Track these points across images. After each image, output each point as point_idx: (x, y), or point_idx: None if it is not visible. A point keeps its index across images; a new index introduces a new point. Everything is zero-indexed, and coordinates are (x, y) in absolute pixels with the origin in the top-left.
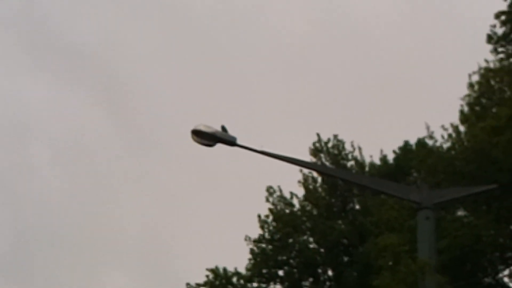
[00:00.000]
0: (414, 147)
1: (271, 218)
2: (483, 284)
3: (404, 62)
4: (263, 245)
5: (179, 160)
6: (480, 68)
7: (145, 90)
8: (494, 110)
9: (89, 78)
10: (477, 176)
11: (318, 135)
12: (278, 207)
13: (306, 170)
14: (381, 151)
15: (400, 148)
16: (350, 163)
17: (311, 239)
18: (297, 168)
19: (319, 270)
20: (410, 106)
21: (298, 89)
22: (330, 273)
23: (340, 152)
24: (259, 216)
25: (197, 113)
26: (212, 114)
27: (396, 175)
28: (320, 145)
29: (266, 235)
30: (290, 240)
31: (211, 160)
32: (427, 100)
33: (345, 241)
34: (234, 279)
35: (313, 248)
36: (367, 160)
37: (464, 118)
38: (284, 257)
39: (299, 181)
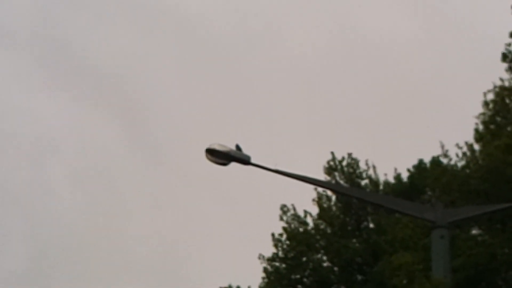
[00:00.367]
0: (428, 165)
1: (285, 236)
2: None
3: (419, 80)
4: (277, 264)
5: (195, 178)
6: (495, 87)
7: (161, 109)
8: (509, 128)
9: (106, 97)
10: (491, 195)
11: (332, 153)
12: (292, 226)
13: (320, 189)
14: (395, 169)
15: (414, 167)
16: (365, 182)
17: (325, 258)
18: (311, 186)
19: None
20: (425, 125)
21: (312, 108)
22: None
23: (354, 170)
24: (273, 234)
25: (212, 132)
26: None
27: (410, 193)
28: (335, 163)
29: (280, 253)
30: (304, 259)
31: (225, 178)
32: (442, 118)
33: (359, 259)
34: None
35: (327, 267)
36: (382, 178)
37: (479, 136)
38: (298, 276)
39: (313, 200)
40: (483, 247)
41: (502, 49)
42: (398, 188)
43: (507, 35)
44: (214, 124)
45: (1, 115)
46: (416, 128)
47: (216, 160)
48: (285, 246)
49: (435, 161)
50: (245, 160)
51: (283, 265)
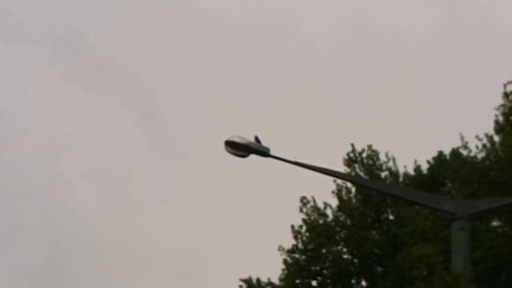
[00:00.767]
0: (448, 157)
1: (304, 228)
2: None
3: (439, 72)
4: (297, 256)
5: (213, 171)
6: None
7: (179, 102)
8: None
9: (123, 91)
10: (511, 186)
11: (352, 145)
12: (312, 218)
13: (340, 181)
14: (415, 161)
15: (434, 159)
16: (384, 174)
17: (344, 250)
18: (330, 178)
19: (353, 281)
20: (444, 116)
21: (332, 99)
22: (364, 283)
23: (374, 162)
24: (292, 226)
25: (231, 124)
26: (245, 125)
27: (430, 185)
28: (354, 155)
29: (300, 245)
30: (324, 251)
31: (244, 171)
32: (462, 110)
33: (379, 251)
34: None
35: (347, 259)
36: (401, 170)
37: (499, 128)
38: (318, 268)
39: (332, 192)
40: (504, 239)
41: None
42: (417, 180)
43: None
44: (232, 116)
45: (18, 109)
46: (435, 120)
47: (235, 152)
48: (304, 238)
49: (455, 153)
50: (264, 152)
51: (303, 257)
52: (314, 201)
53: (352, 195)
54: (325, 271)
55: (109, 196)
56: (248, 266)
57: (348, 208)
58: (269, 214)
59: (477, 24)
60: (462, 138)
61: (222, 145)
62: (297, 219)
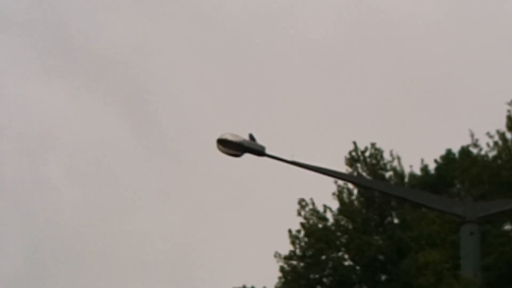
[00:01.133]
0: (457, 156)
1: (302, 233)
2: None
3: (447, 64)
4: (294, 262)
5: (205, 172)
6: None
7: (168, 97)
8: None
9: (110, 85)
10: None
11: (354, 143)
12: (311, 222)
13: (341, 182)
14: (422, 160)
15: (442, 157)
16: (389, 174)
17: (346, 256)
18: (331, 179)
19: None
20: (453, 112)
21: (332, 94)
22: None
23: (378, 162)
24: (290, 231)
25: (224, 121)
26: (239, 122)
27: (438, 186)
28: (357, 154)
29: (298, 251)
30: (323, 257)
31: (238, 171)
32: (472, 105)
33: (382, 257)
34: None
35: (348, 265)
36: (407, 170)
37: (511, 124)
38: (317, 275)
39: (333, 193)
40: None
41: None
42: (424, 181)
43: None
44: (226, 113)
45: None
46: (444, 116)
47: (229, 151)
48: (303, 244)
49: (465, 151)
50: (259, 151)
51: (301, 264)
52: (313, 203)
53: (354, 197)
54: (325, 279)
55: (95, 197)
56: (242, 273)
57: (350, 211)
58: (265, 218)
59: (488, 12)
60: (472, 135)
61: (215, 143)
62: (295, 223)
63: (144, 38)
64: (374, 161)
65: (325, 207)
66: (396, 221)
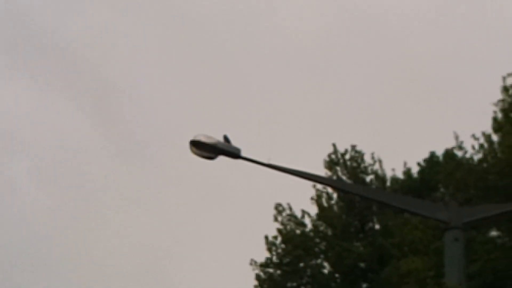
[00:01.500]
0: (441, 159)
1: (279, 239)
2: None
3: (430, 64)
4: (271, 270)
5: (177, 175)
6: None
7: (138, 95)
8: None
9: (75, 82)
10: None
11: (334, 145)
12: (288, 227)
13: (320, 186)
14: (405, 163)
15: (425, 161)
16: (370, 178)
17: (325, 263)
18: (309, 183)
19: None
20: (437, 113)
21: (311, 94)
22: None
23: (358, 165)
24: (266, 237)
25: (197, 122)
26: (213, 123)
27: (421, 190)
28: (336, 157)
29: (274, 258)
30: (302, 264)
31: (212, 174)
32: (456, 106)
33: (363, 265)
34: None
35: (328, 273)
36: (389, 174)
37: (497, 126)
38: (295, 284)
39: (311, 198)
40: (502, 251)
41: None
42: (407, 185)
43: None
44: (199, 113)
45: None
46: (427, 118)
47: (202, 154)
48: (280, 250)
49: (449, 154)
50: (234, 153)
51: (278, 272)
52: (291, 208)
53: (333, 201)
54: (303, 287)
55: (60, 199)
56: (216, 282)
57: (329, 216)
58: (240, 223)
59: (473, 11)
60: (456, 137)
61: (187, 145)
62: (272, 229)
63: (114, 36)
64: (354, 164)
65: (303, 212)
66: (377, 227)
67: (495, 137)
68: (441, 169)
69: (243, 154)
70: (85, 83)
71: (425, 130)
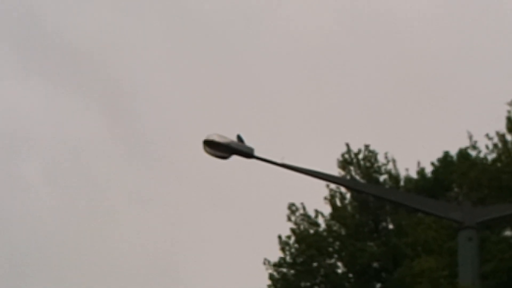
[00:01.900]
0: (455, 158)
1: (293, 239)
2: None
3: (445, 64)
4: (284, 270)
5: (189, 174)
6: None
7: (150, 95)
8: None
9: (86, 82)
10: None
11: (347, 145)
12: (301, 227)
13: (333, 185)
14: (418, 163)
15: (439, 160)
16: (383, 177)
17: (338, 263)
18: (323, 183)
19: None
20: (451, 113)
21: (324, 94)
22: None
23: (372, 164)
24: (279, 237)
25: (209, 121)
26: (226, 122)
27: (434, 190)
28: (350, 156)
29: (288, 258)
30: (315, 264)
31: (225, 174)
32: (470, 105)
33: (376, 265)
34: None
35: (341, 273)
36: (402, 173)
37: (511, 125)
38: (308, 283)
39: (325, 198)
40: None
41: None
42: (421, 185)
43: None
44: (212, 112)
45: None
46: (441, 117)
47: (215, 153)
48: (293, 250)
49: (463, 154)
50: (247, 153)
51: (291, 271)
52: (304, 208)
53: (347, 201)
54: (316, 287)
55: (72, 198)
56: (229, 282)
57: (343, 216)
58: (254, 223)
59: (486, 10)
60: (470, 137)
61: (201, 145)
62: (285, 228)
63: (124, 35)
64: (368, 164)
65: (317, 212)
66: (391, 226)
67: (509, 137)
68: (455, 169)
69: (256, 153)
70: (96, 83)
71: (439, 130)
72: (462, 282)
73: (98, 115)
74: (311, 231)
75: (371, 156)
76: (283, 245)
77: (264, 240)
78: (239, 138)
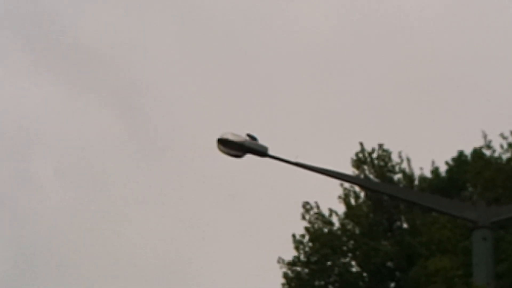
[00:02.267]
0: (469, 158)
1: (307, 238)
2: None
3: (458, 62)
4: (298, 269)
5: (202, 173)
6: None
7: (162, 94)
8: None
9: (99, 81)
10: None
11: (361, 144)
12: (316, 226)
13: (347, 184)
14: (433, 162)
15: (453, 160)
16: (397, 176)
17: (352, 262)
18: (337, 182)
19: None
20: (465, 112)
21: (338, 92)
22: None
23: (386, 163)
24: (293, 235)
25: (223, 120)
26: (239, 121)
27: (449, 190)
28: (364, 155)
29: (302, 257)
30: (329, 263)
31: (239, 173)
32: (484, 105)
33: (391, 264)
34: None
35: (355, 272)
36: (417, 172)
37: None
38: (322, 282)
39: (339, 197)
40: None
41: None
42: (435, 184)
43: None
44: (225, 111)
45: None
46: (455, 116)
47: (229, 152)
48: (307, 249)
49: (477, 153)
50: (262, 152)
51: (306, 270)
52: (318, 207)
53: (361, 200)
54: (330, 286)
55: (84, 197)
56: (243, 280)
57: (357, 215)
58: (267, 222)
59: (502, 7)
60: (485, 136)
61: (214, 143)
62: (299, 227)
63: (138, 35)
64: (382, 163)
65: (331, 210)
66: (405, 226)
67: None
68: (469, 168)
69: (270, 152)
70: (109, 82)
71: (453, 129)
72: (476, 282)
73: (110, 114)
74: (325, 230)
75: (385, 155)
76: (297, 243)
77: (278, 239)
78: (252, 137)
